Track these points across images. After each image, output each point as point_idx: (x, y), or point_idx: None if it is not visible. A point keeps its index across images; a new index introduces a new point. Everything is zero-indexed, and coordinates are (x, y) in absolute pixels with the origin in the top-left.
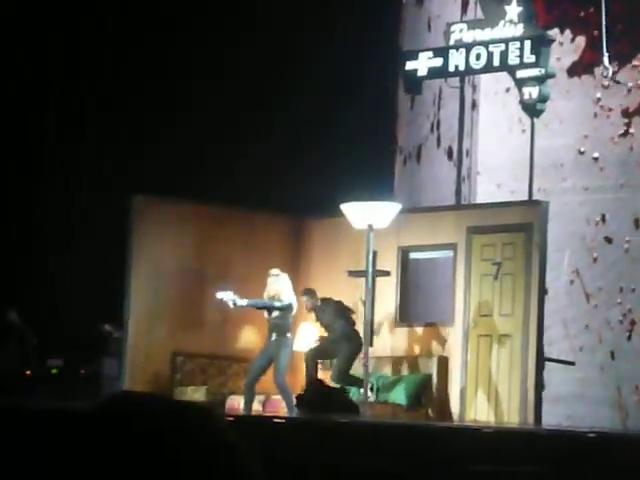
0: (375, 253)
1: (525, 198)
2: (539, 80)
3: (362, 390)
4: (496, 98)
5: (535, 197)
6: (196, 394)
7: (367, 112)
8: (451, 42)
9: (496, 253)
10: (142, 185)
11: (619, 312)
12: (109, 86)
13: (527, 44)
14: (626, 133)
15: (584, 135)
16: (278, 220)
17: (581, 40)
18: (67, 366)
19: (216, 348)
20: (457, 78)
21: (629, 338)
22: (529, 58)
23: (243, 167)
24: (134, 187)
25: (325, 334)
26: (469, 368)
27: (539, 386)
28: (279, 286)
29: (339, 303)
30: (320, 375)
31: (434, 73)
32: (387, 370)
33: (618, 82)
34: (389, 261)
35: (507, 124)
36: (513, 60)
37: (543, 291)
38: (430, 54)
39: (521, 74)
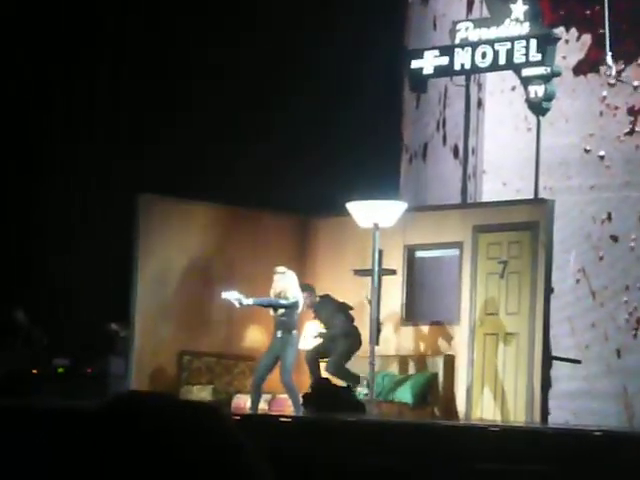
0: (381, 252)
1: (531, 196)
2: (545, 78)
3: (359, 388)
4: (502, 96)
5: (541, 195)
6: (202, 393)
7: (372, 111)
8: (457, 41)
9: (502, 251)
10: (142, 185)
11: (625, 310)
12: (109, 86)
13: (533, 42)
14: (632, 131)
15: (590, 133)
16: (284, 219)
17: (587, 38)
18: (74, 365)
19: (222, 347)
20: (463, 77)
21: (635, 336)
22: (535, 56)
23: (246, 167)
24: (134, 187)
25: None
26: (475, 367)
27: (546, 384)
28: (285, 283)
29: (337, 300)
30: (327, 374)
31: (440, 72)
32: (393, 369)
33: (621, 81)
34: (395, 260)
35: (513, 122)
36: (519, 58)
37: (549, 289)
38: (436, 53)
39: (527, 72)
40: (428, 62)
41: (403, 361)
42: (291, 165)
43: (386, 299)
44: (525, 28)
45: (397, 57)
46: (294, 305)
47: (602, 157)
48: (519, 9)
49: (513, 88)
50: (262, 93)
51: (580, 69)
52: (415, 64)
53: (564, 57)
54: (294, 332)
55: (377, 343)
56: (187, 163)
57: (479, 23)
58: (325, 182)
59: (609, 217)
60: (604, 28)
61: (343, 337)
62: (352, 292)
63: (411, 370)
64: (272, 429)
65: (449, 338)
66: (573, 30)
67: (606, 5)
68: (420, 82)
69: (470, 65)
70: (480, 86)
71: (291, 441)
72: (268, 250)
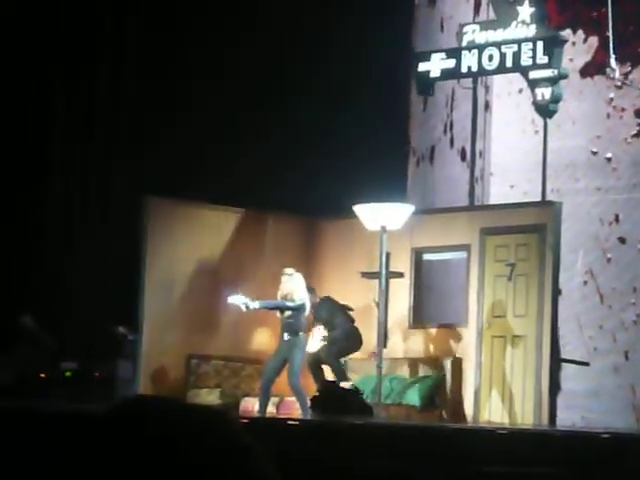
0: (388, 254)
1: (538, 199)
2: (552, 81)
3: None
4: (509, 99)
5: (548, 198)
6: (210, 396)
7: (380, 113)
8: (464, 43)
9: (510, 254)
10: (143, 185)
11: (633, 312)
12: (109, 86)
13: (540, 45)
14: (639, 133)
15: (597, 135)
16: (292, 222)
17: (593, 40)
18: (81, 369)
19: (230, 350)
20: (470, 79)
21: None
22: (542, 59)
23: (249, 168)
24: (135, 188)
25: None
26: (483, 369)
27: (554, 387)
28: (292, 286)
29: (337, 301)
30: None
31: (447, 74)
32: (401, 371)
33: (626, 83)
34: (402, 262)
35: (520, 125)
36: (526, 61)
37: (557, 292)
38: (443, 55)
39: (534, 75)
40: (435, 65)
41: (411, 364)
42: (298, 168)
43: (393, 302)
44: (532, 30)
45: (405, 59)
46: (301, 307)
47: (609, 159)
48: (526, 11)
49: (520, 90)
50: (264, 94)
51: (587, 71)
52: (422, 67)
53: (571, 59)
54: (301, 334)
55: (385, 346)
56: (187, 163)
57: (486, 25)
58: (332, 185)
59: (617, 219)
60: (607, 32)
61: (344, 338)
62: (359, 295)
63: (419, 373)
64: (280, 432)
65: (457, 341)
66: (580, 32)
67: (609, 8)
68: (427, 85)
69: (477, 68)
70: (487, 89)
71: (299, 444)
72: (275, 252)
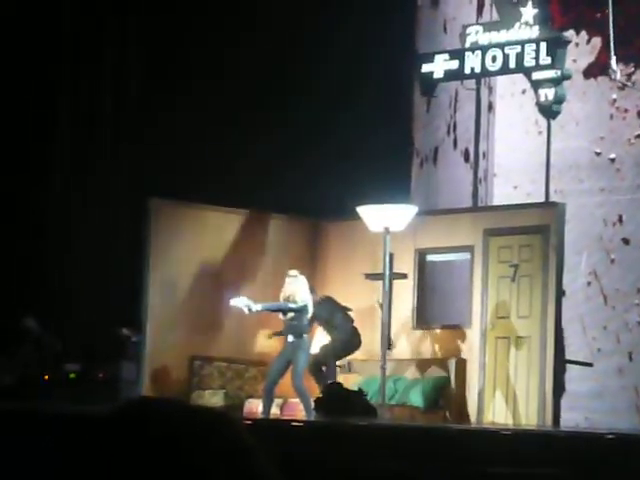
0: (392, 256)
1: (542, 200)
2: (555, 82)
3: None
4: (512, 100)
5: (552, 199)
6: (214, 398)
7: (383, 114)
8: (467, 44)
9: (513, 255)
10: (142, 185)
11: (637, 313)
12: (107, 86)
13: (543, 46)
14: None
15: (600, 136)
16: (295, 223)
17: (597, 41)
18: (85, 370)
19: (234, 351)
20: (473, 80)
21: None
22: (545, 60)
23: (251, 169)
24: (134, 187)
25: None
26: (487, 370)
27: (558, 388)
28: (295, 287)
29: (337, 302)
30: (339, 378)
31: (450, 75)
32: (405, 373)
33: (626, 84)
34: (406, 264)
35: (523, 126)
36: (529, 62)
37: (560, 293)
38: (446, 56)
39: (537, 76)
40: (438, 66)
41: (414, 365)
42: (301, 169)
43: (397, 303)
44: (535, 31)
45: (408, 60)
46: (303, 309)
47: (613, 160)
48: (529, 12)
49: (523, 91)
50: (265, 93)
51: (590, 72)
52: (425, 68)
53: (574, 60)
54: (305, 336)
55: (389, 347)
56: (188, 164)
57: (489, 27)
58: (336, 186)
59: (620, 220)
60: (612, 32)
61: (343, 339)
62: (363, 296)
63: (423, 374)
64: (284, 433)
65: (460, 342)
66: (583, 33)
67: (610, 10)
68: (430, 86)
69: (480, 69)
70: (490, 90)
71: (303, 445)
72: (278, 254)
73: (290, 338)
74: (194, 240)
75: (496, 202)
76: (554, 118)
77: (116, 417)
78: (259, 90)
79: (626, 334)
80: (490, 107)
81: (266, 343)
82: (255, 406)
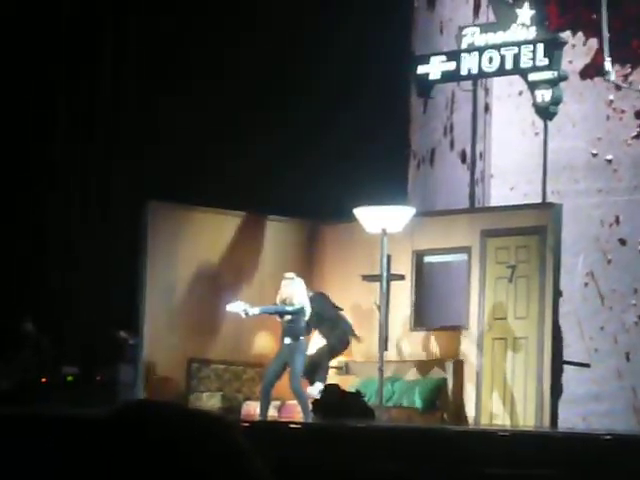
0: (389, 257)
1: (539, 201)
2: (552, 83)
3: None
4: (509, 101)
5: (549, 199)
6: (212, 400)
7: (380, 116)
8: (463, 45)
9: (510, 256)
10: (142, 187)
11: (634, 314)
12: (107, 87)
13: (540, 47)
14: (639, 135)
15: (597, 137)
16: (292, 225)
17: (593, 43)
18: (83, 373)
19: (231, 354)
20: (470, 81)
21: None
22: (542, 61)
23: (249, 170)
24: (133, 189)
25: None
26: (484, 371)
27: (556, 389)
28: (292, 290)
29: (330, 299)
30: (336, 380)
31: (447, 77)
32: (402, 374)
33: (619, 85)
34: (403, 265)
35: (520, 127)
36: (526, 63)
37: (558, 293)
38: (442, 58)
39: (534, 77)
40: (435, 67)
41: (412, 366)
42: (299, 171)
43: (395, 304)
44: (532, 33)
45: (405, 61)
46: (300, 311)
47: (609, 161)
48: (525, 14)
49: (520, 93)
50: (264, 94)
51: (587, 73)
52: (422, 69)
53: (571, 61)
54: (302, 338)
55: (386, 348)
56: (186, 165)
57: (486, 28)
58: (333, 188)
59: (617, 220)
60: (608, 33)
61: (333, 336)
62: (360, 298)
63: (420, 375)
64: (282, 436)
65: (458, 343)
66: (580, 34)
67: (604, 12)
68: (427, 87)
69: (477, 70)
70: (487, 91)
71: (301, 447)
72: (276, 256)
73: (287, 340)
74: (192, 242)
75: (493, 203)
76: (551, 119)
77: (114, 420)
78: (257, 92)
79: (623, 335)
80: (487, 108)
81: (263, 345)
82: (253, 408)
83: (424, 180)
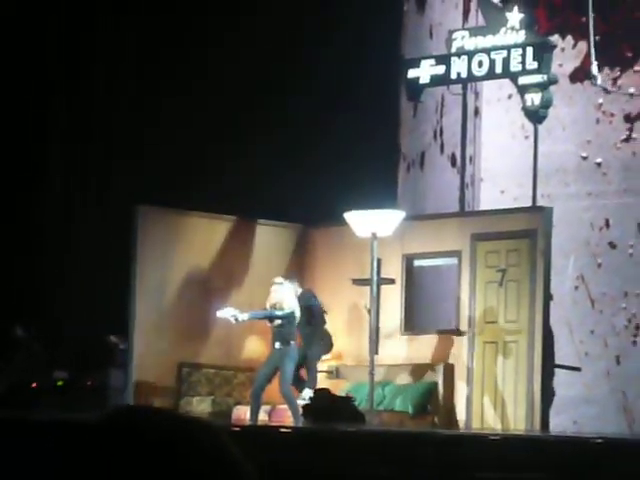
0: (379, 261)
1: (529, 204)
2: (541, 86)
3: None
4: (499, 105)
5: (539, 203)
6: (202, 405)
7: (370, 120)
8: (453, 49)
9: (500, 260)
10: (141, 186)
11: (624, 317)
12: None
13: (529, 51)
14: (628, 138)
15: (587, 140)
16: (282, 229)
17: (583, 46)
18: (73, 378)
19: (222, 358)
20: (459, 85)
21: (634, 343)
22: (531, 64)
23: (240, 175)
24: (131, 191)
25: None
26: (475, 375)
27: (546, 392)
28: (281, 295)
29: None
30: (327, 384)
31: (436, 81)
32: (393, 378)
33: (606, 89)
34: (394, 269)
35: (510, 130)
36: (515, 67)
37: (548, 297)
38: (432, 62)
39: (523, 80)
40: (424, 71)
41: (403, 370)
42: (289, 175)
43: (385, 308)
44: (521, 36)
45: (394, 65)
46: (290, 316)
47: (599, 164)
48: (515, 17)
49: (510, 96)
50: (254, 103)
51: (576, 76)
52: (411, 73)
53: (560, 65)
54: (292, 343)
55: (377, 352)
56: (176, 171)
57: (475, 32)
58: (323, 192)
59: (607, 224)
60: (596, 37)
61: (319, 340)
62: (351, 302)
63: (411, 379)
64: (272, 440)
65: (448, 347)
66: (569, 38)
67: (590, 17)
68: (417, 91)
69: (467, 74)
70: (477, 95)
71: (291, 451)
72: (266, 260)
73: (277, 345)
74: (182, 247)
75: (483, 207)
76: (541, 122)
77: (103, 426)
78: (247, 99)
79: (613, 338)
80: (476, 112)
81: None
82: (243, 412)
83: (414, 184)
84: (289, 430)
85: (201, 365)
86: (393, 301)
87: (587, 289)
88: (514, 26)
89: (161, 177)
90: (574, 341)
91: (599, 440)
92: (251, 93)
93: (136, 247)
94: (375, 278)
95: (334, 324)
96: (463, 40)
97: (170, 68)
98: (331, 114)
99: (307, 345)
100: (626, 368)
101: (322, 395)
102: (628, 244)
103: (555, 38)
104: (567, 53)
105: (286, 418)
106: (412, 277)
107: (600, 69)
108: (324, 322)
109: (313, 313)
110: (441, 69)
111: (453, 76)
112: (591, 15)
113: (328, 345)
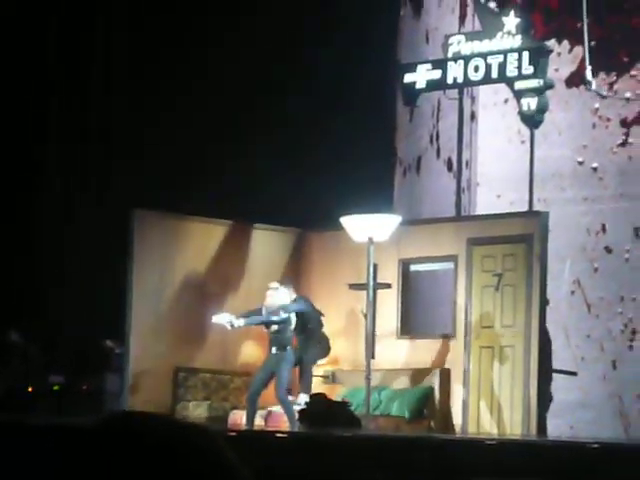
0: (376, 266)
1: (525, 209)
2: (538, 91)
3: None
4: (495, 109)
5: (535, 208)
6: (198, 409)
7: (366, 125)
8: (449, 54)
9: (497, 264)
10: (141, 187)
11: (620, 322)
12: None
13: (525, 55)
14: (624, 143)
15: (583, 145)
16: (278, 234)
17: (579, 51)
18: (69, 382)
19: (218, 363)
20: (456, 90)
21: (630, 347)
22: (527, 69)
23: (236, 179)
24: (133, 189)
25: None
26: (471, 380)
27: (543, 397)
28: (277, 300)
29: (312, 304)
30: (323, 389)
31: (433, 85)
32: (389, 383)
33: (600, 94)
34: (390, 273)
35: (506, 135)
36: (511, 71)
37: (544, 302)
38: (428, 66)
39: (519, 85)
40: (421, 76)
41: (399, 375)
42: (285, 180)
43: (381, 313)
44: (517, 41)
45: (391, 70)
46: (286, 321)
47: (595, 169)
48: (511, 22)
49: (506, 101)
50: (251, 106)
51: (572, 81)
52: (408, 78)
53: (556, 69)
54: (289, 348)
55: (373, 357)
56: (172, 175)
57: (471, 36)
58: (319, 196)
59: (603, 229)
60: (591, 42)
61: (315, 344)
62: (347, 306)
63: (407, 384)
64: (268, 445)
65: (445, 351)
66: (565, 42)
67: (585, 23)
68: (413, 96)
69: (463, 78)
70: (473, 99)
71: (287, 457)
72: (263, 264)
73: (274, 350)
74: (178, 251)
75: (479, 211)
76: (537, 127)
77: (101, 431)
78: (247, 99)
79: (610, 342)
80: (473, 116)
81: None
82: (239, 417)
83: (410, 188)
84: (285, 435)
85: (197, 369)
86: (389, 306)
87: (583, 294)
88: (510, 31)
89: (161, 177)
90: (570, 346)
91: (595, 445)
92: (251, 93)
93: (133, 251)
94: (371, 283)
95: (330, 329)
96: (459, 45)
97: (170, 68)
98: (329, 119)
99: (303, 349)
100: (622, 373)
101: (318, 400)
102: (624, 249)
103: (551, 43)
104: (563, 58)
105: (282, 423)
106: (408, 282)
107: (596, 74)
108: (321, 325)
109: (308, 319)
110: (437, 74)
111: (449, 81)
112: (585, 20)
113: (325, 349)
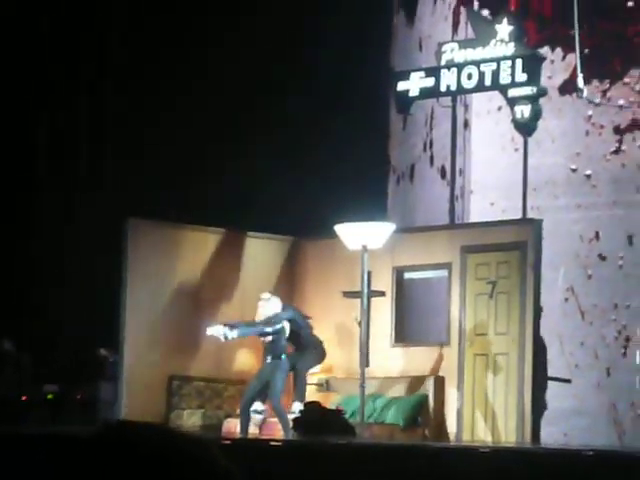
0: (370, 273)
1: (519, 216)
2: (531, 99)
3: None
4: (488, 117)
5: (529, 215)
6: (192, 417)
7: (360, 133)
8: (442, 62)
9: (491, 272)
10: (122, 204)
11: (614, 329)
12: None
13: (518, 63)
14: (618, 150)
15: (576, 153)
16: (273, 242)
17: (572, 58)
18: (63, 391)
19: (212, 371)
20: (449, 98)
21: (624, 354)
22: (521, 77)
23: (230, 187)
24: (133, 189)
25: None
26: (465, 387)
27: (537, 404)
28: (268, 310)
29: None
30: (317, 397)
31: (426, 93)
32: (383, 391)
33: (592, 102)
34: (384, 281)
35: (500, 143)
36: (505, 79)
37: (538, 309)
38: (422, 74)
39: (513, 93)
40: (414, 84)
41: (393, 383)
42: (278, 187)
43: (375, 321)
44: (510, 49)
45: (384, 78)
46: (280, 331)
47: (589, 176)
48: (504, 30)
49: (499, 108)
50: (246, 112)
51: (566, 89)
52: (401, 86)
53: (550, 77)
54: (283, 357)
55: (367, 365)
56: (166, 183)
57: (465, 44)
58: (313, 204)
59: (597, 236)
60: (583, 50)
61: (311, 349)
62: (341, 314)
63: (401, 392)
64: (262, 453)
65: (439, 359)
66: (558, 50)
67: (576, 31)
68: (406, 104)
69: (456, 86)
70: (466, 107)
71: (281, 465)
72: (257, 273)
73: (268, 359)
74: (172, 259)
75: (473, 219)
76: (530, 135)
77: (95, 441)
78: (247, 99)
79: (604, 350)
80: (466, 124)
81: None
82: (234, 425)
83: (404, 196)
84: (279, 443)
85: (191, 378)
86: (383, 313)
87: (577, 301)
88: (503, 38)
89: (161, 177)
90: (564, 353)
91: (590, 452)
92: (251, 93)
93: (126, 259)
94: (365, 290)
95: (324, 336)
96: (452, 52)
97: (170, 68)
98: (323, 127)
99: (297, 356)
100: (616, 380)
101: (312, 408)
102: (618, 256)
103: (544, 50)
104: (556, 65)
105: (276, 431)
106: (402, 289)
107: (589, 81)
108: (311, 328)
109: (299, 325)
110: (430, 81)
111: (442, 88)
112: (577, 28)
113: (321, 354)
